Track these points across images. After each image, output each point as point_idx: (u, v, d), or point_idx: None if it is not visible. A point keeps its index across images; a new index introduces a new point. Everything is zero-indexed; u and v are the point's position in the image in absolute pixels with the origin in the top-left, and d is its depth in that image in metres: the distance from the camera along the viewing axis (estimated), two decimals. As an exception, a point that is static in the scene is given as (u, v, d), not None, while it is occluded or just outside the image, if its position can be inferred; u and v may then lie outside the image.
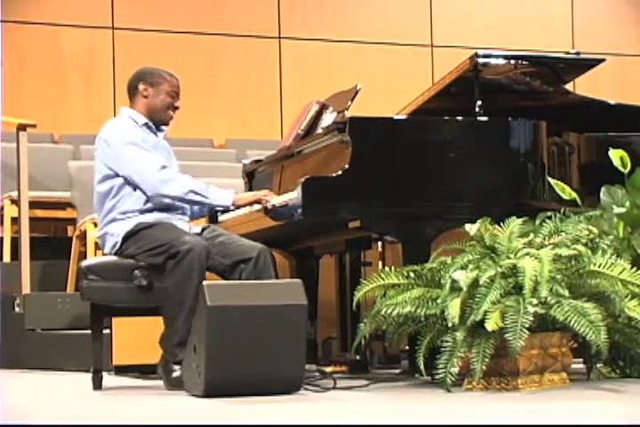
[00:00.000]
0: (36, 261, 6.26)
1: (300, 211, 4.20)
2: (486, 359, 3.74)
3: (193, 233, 4.42)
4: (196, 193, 4.40)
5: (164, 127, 4.62)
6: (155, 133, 4.57)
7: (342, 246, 4.78)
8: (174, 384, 4.14)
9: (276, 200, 4.42)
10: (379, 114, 4.53)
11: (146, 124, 4.54)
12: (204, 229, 4.52)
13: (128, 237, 4.39)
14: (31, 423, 3.26)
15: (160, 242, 4.26)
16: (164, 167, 4.42)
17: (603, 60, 5.05)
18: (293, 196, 4.27)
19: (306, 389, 3.95)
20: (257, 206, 4.50)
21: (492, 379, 3.86)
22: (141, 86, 4.54)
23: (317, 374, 4.28)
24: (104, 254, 4.56)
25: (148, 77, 4.56)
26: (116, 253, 4.42)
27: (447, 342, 3.81)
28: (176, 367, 4.17)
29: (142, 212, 4.44)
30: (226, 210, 4.74)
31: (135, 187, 4.43)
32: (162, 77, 4.57)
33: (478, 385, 3.85)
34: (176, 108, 4.57)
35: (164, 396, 4.06)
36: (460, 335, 3.78)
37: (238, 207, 4.57)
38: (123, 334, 5.06)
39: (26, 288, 5.96)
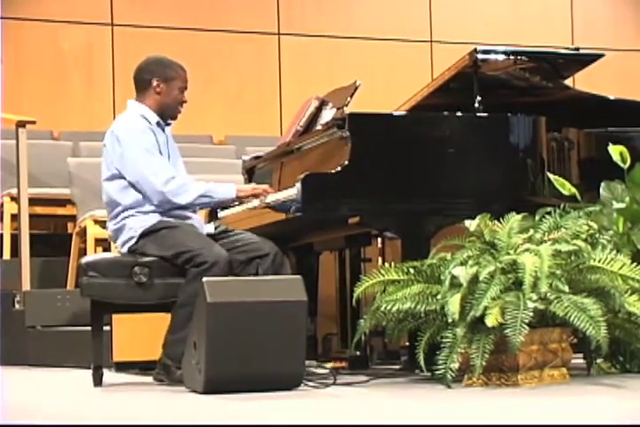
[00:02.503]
0: (36, 258, 6.26)
1: (299, 207, 4.20)
2: (486, 355, 3.74)
3: (207, 232, 4.42)
4: (204, 196, 4.40)
5: (170, 121, 4.59)
6: (163, 130, 4.54)
7: (342, 243, 4.78)
8: (177, 381, 4.14)
9: (271, 198, 4.44)
10: (378, 110, 4.53)
11: (157, 123, 4.49)
12: (216, 227, 4.53)
13: (147, 234, 4.36)
14: (32, 423, 3.26)
15: (186, 248, 4.25)
16: (171, 178, 4.36)
17: (602, 56, 5.04)
18: (293, 192, 4.27)
19: (306, 385, 3.95)
20: (254, 203, 4.50)
21: (492, 375, 3.86)
22: (155, 82, 4.46)
23: (319, 369, 4.29)
24: (106, 250, 4.56)
25: (162, 72, 4.47)
26: (130, 248, 4.40)
27: (447, 337, 3.81)
28: (177, 370, 4.16)
29: (163, 210, 4.41)
30: (227, 206, 4.76)
31: None
32: (175, 72, 4.49)
33: (478, 381, 3.85)
34: (184, 102, 4.53)
35: (165, 393, 4.06)
36: (459, 331, 3.78)
37: (239, 198, 4.54)
38: (123, 331, 5.06)
39: (26, 285, 5.96)
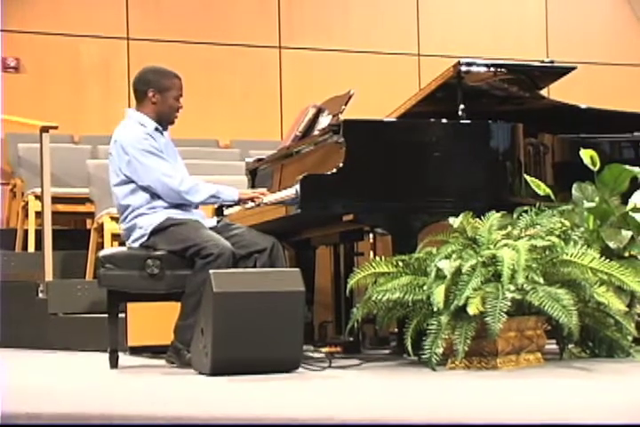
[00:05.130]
0: (58, 252, 6.26)
1: (297, 205, 4.20)
2: (468, 341, 3.74)
3: (210, 226, 4.42)
4: (213, 196, 4.43)
5: (169, 126, 4.58)
6: (162, 133, 4.54)
7: (337, 238, 4.78)
8: (187, 364, 4.14)
9: (268, 198, 4.45)
10: (370, 117, 4.52)
11: (155, 128, 4.49)
12: (218, 222, 4.53)
13: (156, 231, 4.36)
14: (53, 410, 3.25)
15: (193, 242, 4.25)
16: (183, 178, 4.39)
17: (574, 68, 5.04)
18: (291, 192, 4.27)
19: (303, 368, 3.94)
20: (250, 204, 4.53)
21: (474, 359, 3.86)
22: (150, 93, 4.45)
23: (316, 353, 4.28)
24: (122, 244, 4.57)
25: (156, 83, 4.45)
26: (141, 245, 4.39)
27: (432, 325, 3.81)
28: (187, 353, 4.16)
29: (169, 206, 4.42)
30: (230, 205, 4.77)
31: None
32: (170, 81, 4.47)
33: (461, 364, 3.85)
34: (180, 108, 4.52)
35: (175, 374, 4.06)
36: (444, 319, 3.78)
37: (241, 200, 4.57)
38: (136, 318, 5.06)
39: (48, 276, 5.96)
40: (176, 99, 4.48)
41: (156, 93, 4.46)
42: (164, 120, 4.51)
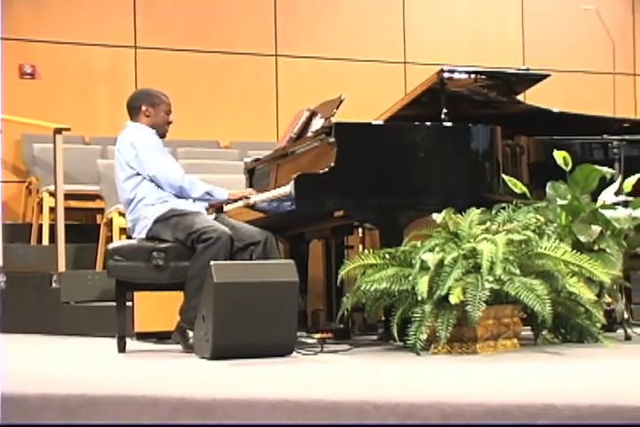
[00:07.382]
0: (70, 245, 6.26)
1: (292, 202, 4.19)
2: (450, 328, 3.74)
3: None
4: (208, 193, 4.50)
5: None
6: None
7: (329, 232, 4.77)
8: (190, 347, 4.13)
9: (258, 197, 4.49)
10: (360, 120, 4.51)
11: (154, 134, 4.56)
12: (215, 218, 4.54)
13: (159, 221, 4.39)
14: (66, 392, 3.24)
15: (194, 229, 4.28)
16: (184, 174, 4.47)
17: (548, 75, 5.04)
18: (286, 190, 4.26)
19: (297, 352, 3.94)
20: (242, 203, 4.57)
21: (455, 344, 3.85)
22: (144, 107, 4.55)
23: (309, 339, 4.28)
24: (129, 238, 4.59)
25: (149, 99, 4.57)
26: (146, 234, 4.40)
27: (417, 313, 3.80)
28: (191, 335, 4.16)
29: (173, 198, 4.45)
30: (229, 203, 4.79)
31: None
32: (159, 99, 4.59)
33: (443, 350, 3.85)
34: (170, 122, 4.61)
35: (178, 358, 4.06)
36: (427, 308, 3.77)
37: (230, 200, 4.63)
38: (143, 306, 5.05)
39: (61, 267, 5.96)
40: (166, 113, 4.59)
41: (149, 107, 4.56)
42: (159, 133, 4.59)
